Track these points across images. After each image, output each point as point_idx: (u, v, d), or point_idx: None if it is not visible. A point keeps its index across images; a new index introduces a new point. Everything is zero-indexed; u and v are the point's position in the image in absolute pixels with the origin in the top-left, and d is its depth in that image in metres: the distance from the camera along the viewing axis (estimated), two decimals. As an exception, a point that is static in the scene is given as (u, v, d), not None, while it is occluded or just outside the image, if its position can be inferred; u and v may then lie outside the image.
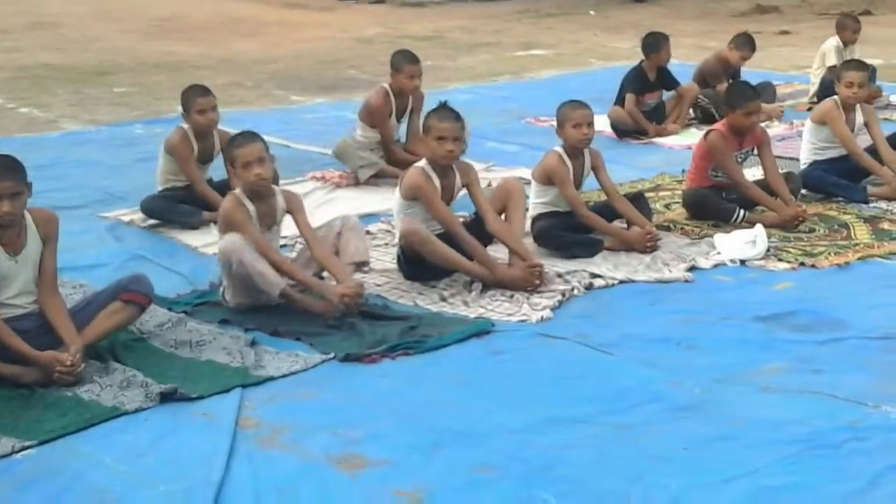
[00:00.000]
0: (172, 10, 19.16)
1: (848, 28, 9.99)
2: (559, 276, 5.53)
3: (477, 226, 5.64)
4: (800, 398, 4.16)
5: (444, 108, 5.62)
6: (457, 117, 5.60)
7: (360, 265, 5.34)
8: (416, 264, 5.51)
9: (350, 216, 5.50)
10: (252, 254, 5.00)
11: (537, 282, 5.36)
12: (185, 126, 6.67)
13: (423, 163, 5.62)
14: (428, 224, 5.49)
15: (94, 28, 17.02)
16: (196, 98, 6.61)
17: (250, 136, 5.20)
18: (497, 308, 5.21)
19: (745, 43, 9.45)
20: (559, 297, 5.28)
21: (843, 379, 4.31)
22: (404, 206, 5.58)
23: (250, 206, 5.17)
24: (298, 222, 5.27)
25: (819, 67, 9.96)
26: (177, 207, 6.61)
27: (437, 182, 5.54)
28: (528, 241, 6.05)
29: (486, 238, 5.61)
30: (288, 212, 5.30)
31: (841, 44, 9.90)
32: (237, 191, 5.24)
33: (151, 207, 6.68)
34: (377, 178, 7.49)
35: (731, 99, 6.52)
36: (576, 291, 5.37)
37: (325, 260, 5.20)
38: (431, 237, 5.40)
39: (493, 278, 5.42)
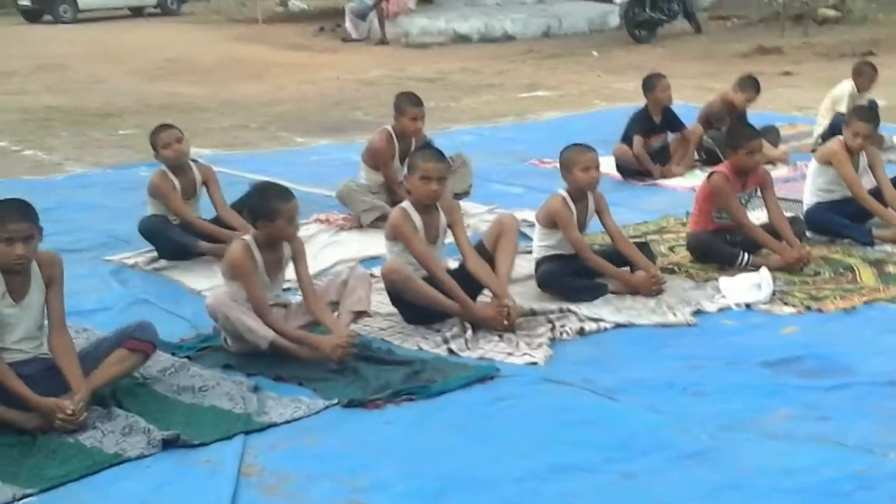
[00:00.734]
0: (178, 51, 19.26)
1: (864, 75, 9.81)
2: (549, 321, 5.52)
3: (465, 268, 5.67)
4: (807, 446, 4.12)
5: (429, 148, 5.70)
6: (441, 157, 5.66)
7: (359, 314, 5.35)
8: (402, 304, 5.52)
9: (358, 266, 5.54)
10: (237, 310, 5.03)
11: (506, 322, 5.37)
12: (163, 167, 6.72)
13: (406, 203, 5.65)
14: (413, 264, 5.51)
15: (100, 70, 17.12)
16: (159, 134, 6.70)
17: (290, 193, 5.22)
18: (494, 348, 5.22)
19: (750, 85, 9.46)
20: (549, 335, 5.31)
21: (851, 426, 4.28)
22: (389, 246, 5.63)
23: (258, 257, 5.18)
24: (299, 271, 5.29)
25: (829, 110, 9.88)
26: (174, 229, 6.65)
27: (418, 222, 5.57)
28: (532, 285, 6.06)
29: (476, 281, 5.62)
30: (292, 258, 5.30)
31: (855, 89, 9.83)
32: (248, 238, 5.23)
33: (149, 226, 6.69)
34: (381, 221, 7.49)
35: (733, 139, 6.53)
36: (565, 336, 5.37)
37: (319, 313, 5.21)
38: (411, 275, 5.41)
39: (468, 316, 5.44)
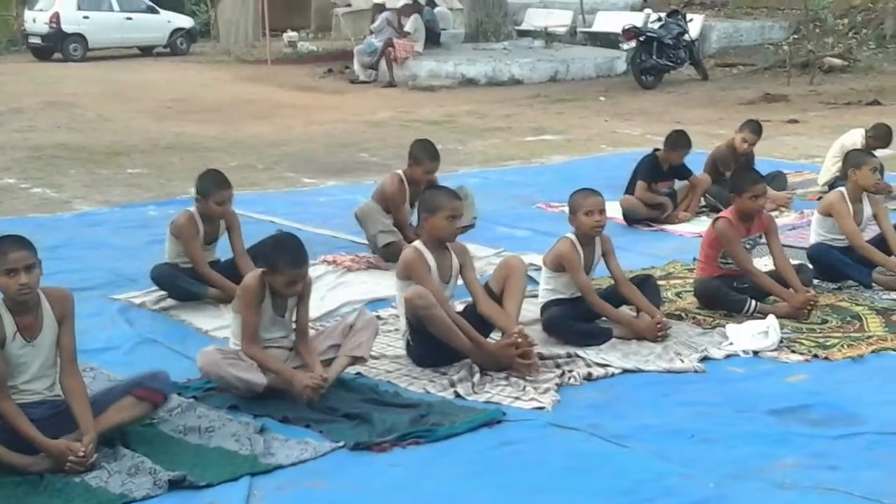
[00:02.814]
0: (186, 91, 19.35)
1: (880, 139, 9.73)
2: (557, 365, 5.52)
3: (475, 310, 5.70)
4: (814, 495, 4.12)
5: (444, 187, 5.74)
6: (458, 195, 5.75)
7: (357, 359, 5.37)
8: (417, 336, 5.51)
9: (366, 311, 5.58)
10: (226, 365, 5.06)
11: (519, 347, 5.36)
12: (193, 209, 6.74)
13: (418, 243, 5.71)
14: None
15: (109, 108, 17.18)
16: (220, 190, 6.67)
17: (302, 260, 5.16)
18: (501, 392, 5.21)
19: (752, 127, 9.44)
20: (556, 381, 5.31)
21: (859, 475, 4.27)
22: (401, 286, 5.65)
23: (268, 293, 5.22)
24: (298, 309, 5.33)
25: (837, 157, 9.74)
26: (184, 277, 6.70)
27: (432, 262, 5.62)
28: (538, 329, 6.05)
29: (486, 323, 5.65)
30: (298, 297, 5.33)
31: (865, 143, 9.73)
32: (260, 273, 5.24)
33: (160, 274, 6.76)
34: (389, 263, 7.50)
35: (737, 184, 6.54)
36: (572, 381, 5.36)
37: (303, 351, 5.26)
38: (435, 303, 5.41)
39: (481, 354, 5.44)
